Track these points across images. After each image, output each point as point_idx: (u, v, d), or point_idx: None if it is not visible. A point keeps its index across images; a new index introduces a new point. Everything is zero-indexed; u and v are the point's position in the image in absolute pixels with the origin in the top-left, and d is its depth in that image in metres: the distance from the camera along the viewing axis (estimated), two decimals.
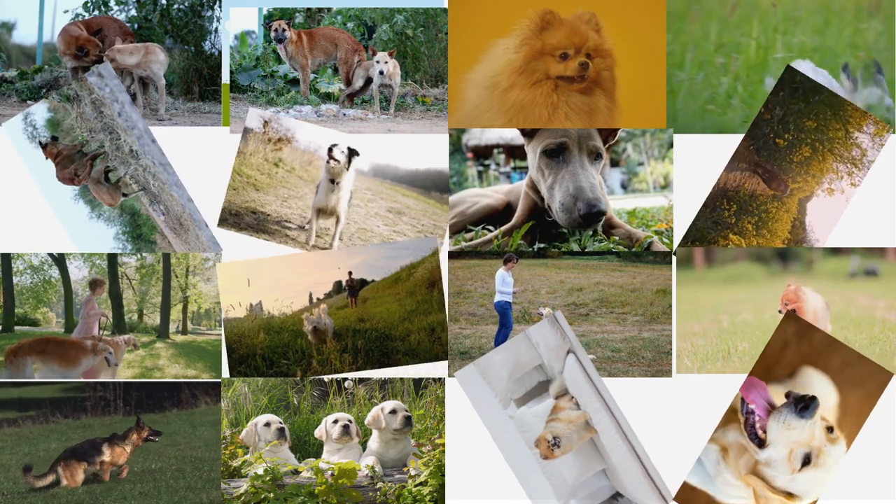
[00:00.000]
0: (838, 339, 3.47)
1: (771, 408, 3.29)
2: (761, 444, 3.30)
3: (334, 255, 3.69)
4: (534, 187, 3.88)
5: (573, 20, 3.65)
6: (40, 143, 3.62)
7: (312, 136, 3.75)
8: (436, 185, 3.72)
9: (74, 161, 3.64)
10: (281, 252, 3.66)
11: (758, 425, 3.28)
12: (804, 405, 3.25)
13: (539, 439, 3.34)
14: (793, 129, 3.59)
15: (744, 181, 3.60)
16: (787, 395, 3.30)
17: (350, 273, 3.69)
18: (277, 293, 3.65)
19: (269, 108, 3.89)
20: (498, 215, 3.90)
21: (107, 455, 3.59)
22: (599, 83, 3.69)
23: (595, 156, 3.75)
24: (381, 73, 3.94)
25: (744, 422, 3.32)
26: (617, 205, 3.97)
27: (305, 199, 3.83)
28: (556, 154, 3.74)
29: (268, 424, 3.66)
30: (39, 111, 3.62)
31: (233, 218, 3.67)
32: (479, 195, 3.94)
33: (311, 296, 3.70)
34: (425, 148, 3.71)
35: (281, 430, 3.65)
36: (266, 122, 3.71)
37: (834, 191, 3.61)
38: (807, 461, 3.25)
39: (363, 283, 3.71)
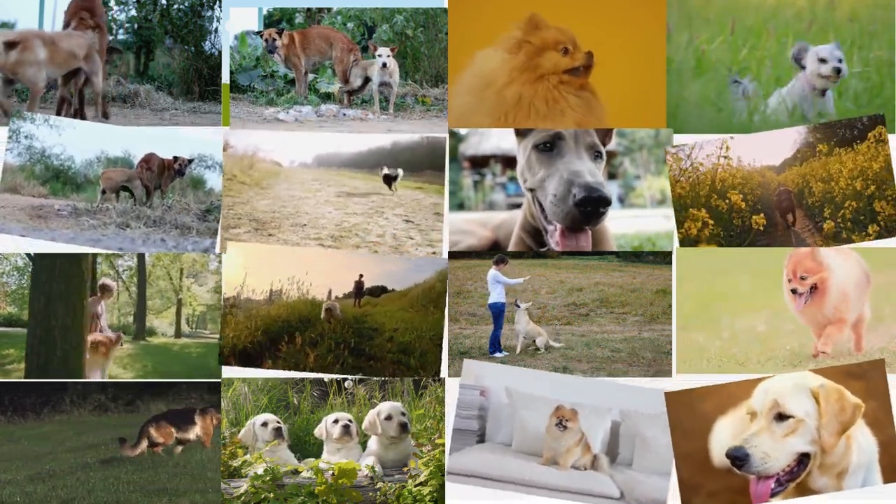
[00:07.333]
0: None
1: (759, 479, 3.05)
2: (805, 461, 3.04)
3: (358, 259, 3.68)
4: (528, 228, 3.58)
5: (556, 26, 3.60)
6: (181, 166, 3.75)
7: (245, 139, 3.68)
8: (432, 164, 3.68)
9: (161, 174, 3.76)
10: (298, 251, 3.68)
11: (779, 478, 3.04)
12: (735, 461, 3.01)
13: (567, 407, 3.34)
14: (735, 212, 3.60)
15: (799, 240, 3.60)
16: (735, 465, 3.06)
17: (360, 276, 3.68)
18: (298, 285, 3.66)
19: (268, 108, 3.90)
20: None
21: (199, 426, 3.68)
22: (591, 86, 3.60)
23: (594, 153, 3.46)
24: (384, 65, 3.94)
25: (791, 491, 3.07)
26: (617, 226, 3.63)
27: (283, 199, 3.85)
28: (549, 147, 3.43)
29: (265, 424, 3.64)
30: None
31: (248, 224, 3.67)
32: (461, 232, 3.66)
33: (330, 292, 3.69)
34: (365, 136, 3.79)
35: (278, 429, 3.63)
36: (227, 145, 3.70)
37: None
38: (781, 418, 3.02)
39: (383, 290, 3.69)
